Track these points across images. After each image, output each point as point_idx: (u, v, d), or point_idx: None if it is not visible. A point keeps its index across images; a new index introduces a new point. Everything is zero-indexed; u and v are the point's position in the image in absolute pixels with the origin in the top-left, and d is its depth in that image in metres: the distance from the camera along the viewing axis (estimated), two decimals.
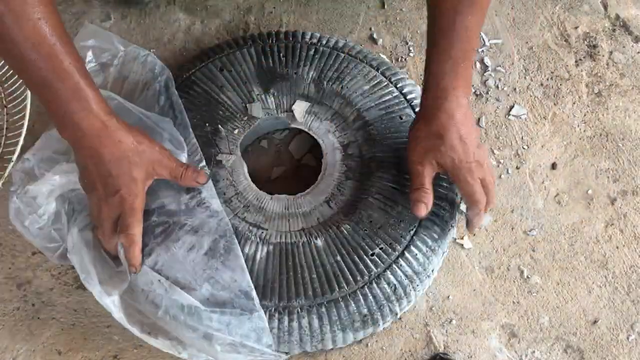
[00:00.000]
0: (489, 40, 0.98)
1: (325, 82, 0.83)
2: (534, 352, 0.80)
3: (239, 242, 0.73)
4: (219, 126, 0.81)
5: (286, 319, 0.70)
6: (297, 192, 0.79)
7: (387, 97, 0.82)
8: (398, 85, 0.83)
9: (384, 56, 0.94)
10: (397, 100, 0.82)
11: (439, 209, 0.76)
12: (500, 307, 0.82)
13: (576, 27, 1.00)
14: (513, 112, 0.94)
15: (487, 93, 0.95)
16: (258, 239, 0.74)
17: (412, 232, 0.74)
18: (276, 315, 0.70)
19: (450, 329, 0.81)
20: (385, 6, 1.01)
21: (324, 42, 0.86)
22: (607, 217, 0.88)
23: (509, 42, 0.99)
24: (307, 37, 0.86)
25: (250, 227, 0.75)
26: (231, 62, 0.84)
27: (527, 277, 0.84)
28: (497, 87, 0.96)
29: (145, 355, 0.78)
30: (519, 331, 0.81)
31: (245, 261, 0.72)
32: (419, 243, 0.74)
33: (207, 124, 0.81)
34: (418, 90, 0.85)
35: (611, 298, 0.83)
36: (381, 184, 0.77)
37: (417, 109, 0.81)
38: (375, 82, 0.83)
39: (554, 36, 1.00)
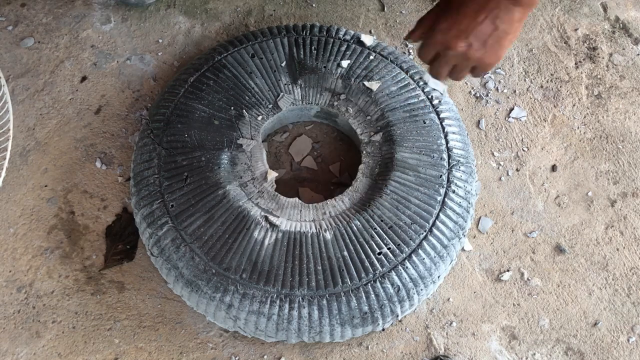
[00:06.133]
0: None
1: (353, 79, 0.84)
2: (534, 354, 0.80)
3: (249, 227, 0.74)
4: (244, 111, 0.82)
5: (287, 306, 0.71)
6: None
7: (413, 100, 0.83)
8: (425, 90, 0.84)
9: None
10: (422, 105, 0.83)
11: (454, 216, 0.77)
12: (500, 310, 0.82)
13: (576, 30, 1.00)
14: (513, 114, 0.94)
15: (487, 95, 0.95)
16: (268, 225, 0.75)
17: (422, 236, 0.74)
18: (277, 302, 0.71)
19: (450, 332, 0.81)
20: (385, 9, 1.01)
21: (357, 40, 0.87)
22: (607, 219, 0.88)
23: None
24: (341, 33, 0.88)
25: (262, 213, 0.76)
26: (263, 50, 0.86)
27: (528, 279, 0.84)
28: (497, 89, 0.96)
29: (146, 357, 0.78)
30: (519, 333, 0.81)
31: (253, 246, 0.73)
32: (427, 247, 0.74)
33: (232, 108, 0.82)
34: (445, 96, 0.85)
35: (611, 300, 0.83)
36: (396, 185, 0.77)
37: (441, 115, 0.82)
38: (403, 84, 0.84)
39: (553, 38, 1.00)
